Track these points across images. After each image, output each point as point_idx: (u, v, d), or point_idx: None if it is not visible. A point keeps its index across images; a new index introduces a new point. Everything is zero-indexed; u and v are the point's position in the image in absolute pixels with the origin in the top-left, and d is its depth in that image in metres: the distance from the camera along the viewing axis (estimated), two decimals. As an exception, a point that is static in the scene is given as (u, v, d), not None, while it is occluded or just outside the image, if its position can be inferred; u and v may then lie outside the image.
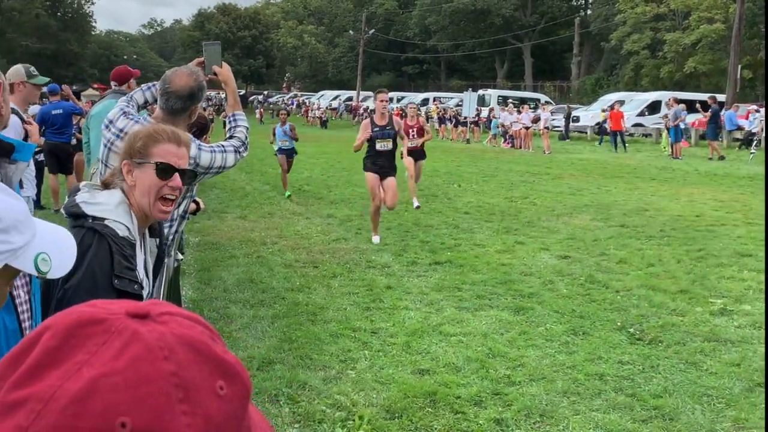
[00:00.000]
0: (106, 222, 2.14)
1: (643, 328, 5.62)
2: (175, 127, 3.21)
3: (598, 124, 30.84)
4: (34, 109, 10.61)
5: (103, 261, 2.08)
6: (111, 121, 3.20)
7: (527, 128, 26.67)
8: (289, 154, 13.06)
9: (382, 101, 8.66)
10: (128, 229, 2.18)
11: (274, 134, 13.12)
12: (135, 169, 2.22)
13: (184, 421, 0.55)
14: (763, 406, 4.24)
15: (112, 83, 6.05)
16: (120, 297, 2.07)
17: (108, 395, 0.54)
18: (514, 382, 4.55)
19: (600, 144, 28.83)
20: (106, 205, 2.18)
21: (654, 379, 4.63)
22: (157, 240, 2.43)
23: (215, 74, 3.52)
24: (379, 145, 8.63)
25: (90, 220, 2.15)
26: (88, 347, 0.57)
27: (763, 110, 23.67)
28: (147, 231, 2.35)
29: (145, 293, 2.28)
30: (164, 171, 2.22)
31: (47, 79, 5.83)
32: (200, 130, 4.48)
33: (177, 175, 2.24)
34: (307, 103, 52.07)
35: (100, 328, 0.58)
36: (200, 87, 3.21)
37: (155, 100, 3.36)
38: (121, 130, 3.09)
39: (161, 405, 0.55)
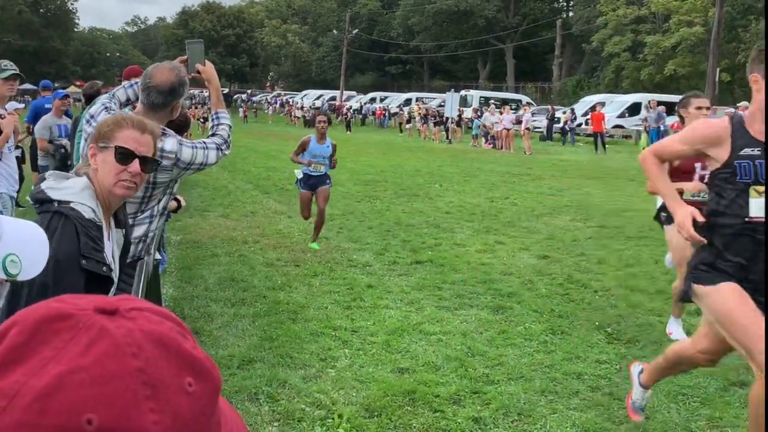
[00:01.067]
0: (71, 205, 2.17)
1: (621, 328, 5.69)
2: (157, 122, 3.23)
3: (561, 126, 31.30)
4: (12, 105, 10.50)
5: (70, 242, 2.11)
6: (92, 116, 3.20)
7: (508, 129, 26.80)
8: (322, 181, 8.28)
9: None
10: (93, 211, 2.20)
11: (302, 151, 8.20)
12: (99, 153, 2.26)
13: (151, 418, 0.54)
14: (737, 404, 4.31)
15: (124, 82, 6.04)
16: (89, 278, 2.11)
17: (74, 392, 0.53)
18: (493, 380, 4.58)
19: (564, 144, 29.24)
20: (71, 189, 2.21)
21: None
22: (123, 230, 2.45)
23: (198, 72, 3.53)
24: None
25: (56, 204, 2.17)
26: (54, 343, 0.56)
27: (737, 113, 23.92)
28: (113, 220, 2.37)
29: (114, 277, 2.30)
30: (123, 155, 2.24)
31: (11, 72, 5.75)
32: (180, 127, 4.48)
33: (137, 161, 2.26)
34: (291, 103, 51.94)
35: (67, 323, 0.57)
36: (181, 82, 3.21)
37: (137, 98, 3.37)
38: None
39: (128, 402, 0.54)
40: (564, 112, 33.19)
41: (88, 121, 3.20)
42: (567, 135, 31.17)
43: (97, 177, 2.26)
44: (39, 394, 0.53)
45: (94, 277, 2.14)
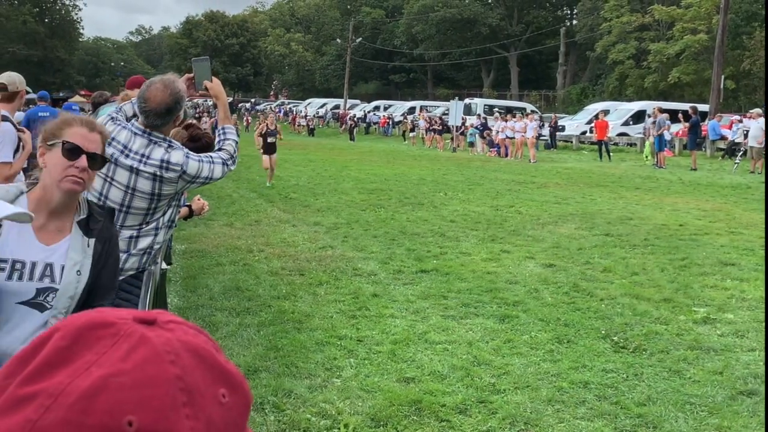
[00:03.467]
0: None
1: (627, 337, 5.66)
2: (162, 134, 3.24)
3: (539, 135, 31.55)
4: (18, 116, 10.54)
5: None
6: None
7: (513, 138, 26.76)
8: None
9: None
10: None
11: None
12: (47, 151, 2.29)
13: (188, 424, 0.56)
14: (746, 414, 4.28)
15: (132, 99, 6.07)
16: None
17: (116, 394, 0.55)
18: (499, 390, 4.56)
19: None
20: None
21: (638, 387, 4.67)
22: (93, 240, 2.40)
23: (206, 89, 3.53)
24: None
25: None
26: (97, 348, 0.59)
27: (745, 120, 23.90)
28: (78, 227, 2.36)
29: (36, 283, 2.28)
30: (70, 151, 2.26)
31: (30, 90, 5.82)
32: (203, 148, 4.45)
33: (84, 156, 2.27)
34: (294, 111, 52.04)
35: (109, 331, 0.60)
36: (176, 99, 3.19)
37: None
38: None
39: (166, 406, 0.56)
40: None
41: None
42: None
43: (43, 177, 2.30)
44: (83, 395, 0.55)
45: None
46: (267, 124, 16.00)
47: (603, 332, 5.77)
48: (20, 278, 2.27)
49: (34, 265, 2.29)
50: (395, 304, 6.49)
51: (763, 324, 5.93)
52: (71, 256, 2.33)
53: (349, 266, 7.98)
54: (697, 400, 4.46)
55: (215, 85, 3.56)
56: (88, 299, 2.36)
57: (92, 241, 2.39)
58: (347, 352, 5.21)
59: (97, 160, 2.33)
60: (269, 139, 15.66)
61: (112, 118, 3.22)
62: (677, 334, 5.76)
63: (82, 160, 2.26)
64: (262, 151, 15.96)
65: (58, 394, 0.56)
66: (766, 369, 4.84)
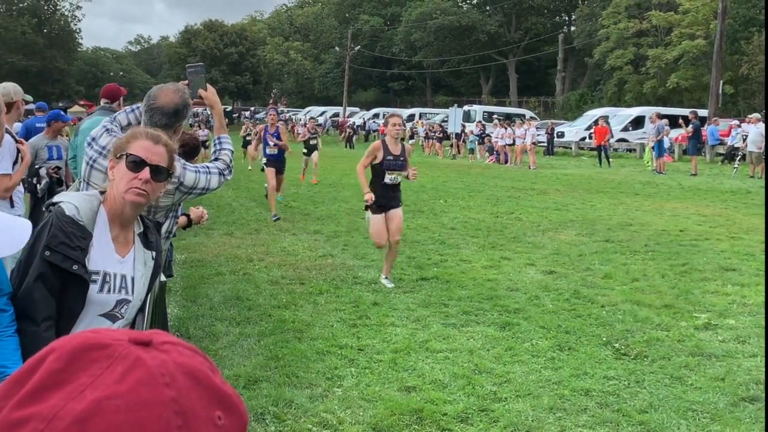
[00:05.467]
0: (59, 203, 2.32)
1: (629, 343, 5.65)
2: None
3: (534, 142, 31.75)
4: (16, 126, 10.54)
5: (41, 233, 2.26)
6: (94, 139, 3.19)
7: (514, 144, 26.78)
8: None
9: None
10: (77, 209, 2.28)
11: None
12: (116, 164, 2.36)
13: None
14: (748, 420, 4.27)
15: (102, 100, 6.05)
16: (52, 271, 2.22)
17: (110, 417, 0.55)
18: (501, 398, 4.55)
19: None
20: (68, 193, 2.39)
21: (639, 394, 4.65)
22: (153, 253, 2.49)
23: (200, 98, 3.52)
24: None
25: (52, 206, 2.35)
26: (92, 370, 0.58)
27: (744, 125, 23.90)
28: (139, 239, 2.42)
29: (116, 295, 2.35)
30: (134, 163, 2.31)
31: (30, 98, 5.80)
32: (191, 151, 4.47)
33: (147, 169, 2.32)
34: (294, 120, 52.07)
35: (104, 352, 0.59)
36: (185, 104, 3.20)
37: (138, 122, 3.35)
38: (103, 148, 3.09)
39: (161, 429, 0.56)
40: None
41: (89, 144, 3.19)
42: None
43: (112, 187, 2.37)
44: (76, 418, 0.55)
45: (58, 270, 2.23)
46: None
47: (604, 339, 5.76)
48: (109, 291, 2.34)
49: (114, 276, 2.36)
50: (396, 313, 6.48)
51: (764, 329, 5.92)
52: (138, 268, 2.41)
53: (349, 275, 7.97)
54: (699, 407, 4.45)
55: (210, 94, 3.54)
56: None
57: (153, 254, 2.48)
58: (348, 362, 5.19)
59: (162, 173, 2.37)
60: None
61: (107, 129, 3.21)
62: (678, 340, 5.75)
63: (145, 173, 2.31)
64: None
65: (52, 417, 0.55)
66: (767, 369, 4.83)
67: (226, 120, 4.10)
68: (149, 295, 3.14)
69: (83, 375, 0.58)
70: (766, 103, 24.71)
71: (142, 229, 2.45)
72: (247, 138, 20.45)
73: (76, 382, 0.57)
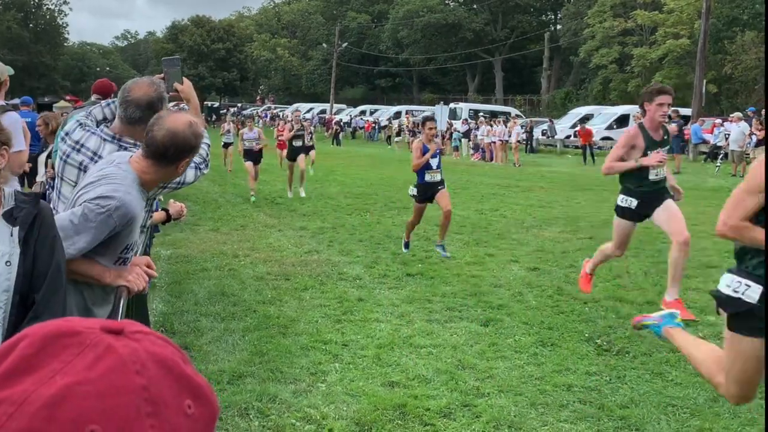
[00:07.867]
0: None
1: (611, 339, 5.70)
2: (134, 137, 3.16)
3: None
4: None
5: None
6: (67, 133, 3.14)
7: (503, 142, 26.84)
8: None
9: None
10: None
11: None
12: None
13: None
14: (727, 415, 4.32)
15: (94, 95, 6.03)
16: None
17: (79, 402, 0.55)
18: (483, 393, 4.59)
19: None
20: None
21: (621, 390, 4.70)
22: (15, 228, 2.29)
23: (176, 91, 3.51)
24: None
25: None
26: (63, 356, 0.58)
27: (726, 124, 24.11)
28: (3, 218, 2.27)
29: None
30: None
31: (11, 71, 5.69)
32: None
33: None
34: (281, 116, 51.91)
35: (75, 339, 0.60)
36: (160, 98, 3.15)
37: (114, 117, 3.32)
38: (77, 142, 3.06)
39: (130, 416, 0.56)
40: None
41: (63, 139, 3.14)
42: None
43: None
44: (46, 403, 0.55)
45: None
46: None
47: (586, 335, 5.81)
48: None
49: None
50: (380, 309, 6.51)
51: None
52: None
53: (334, 270, 7.99)
54: (679, 402, 4.50)
55: (186, 87, 3.52)
56: (30, 290, 2.27)
57: (16, 229, 2.29)
58: (332, 357, 5.21)
59: None
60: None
61: (81, 123, 3.16)
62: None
63: None
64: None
65: (22, 402, 0.55)
66: (767, 370, 4.88)
67: (214, 116, 4.09)
68: (123, 293, 2.99)
69: (54, 361, 0.58)
70: (766, 103, 24.94)
71: (8, 208, 2.28)
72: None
73: (47, 367, 0.58)
